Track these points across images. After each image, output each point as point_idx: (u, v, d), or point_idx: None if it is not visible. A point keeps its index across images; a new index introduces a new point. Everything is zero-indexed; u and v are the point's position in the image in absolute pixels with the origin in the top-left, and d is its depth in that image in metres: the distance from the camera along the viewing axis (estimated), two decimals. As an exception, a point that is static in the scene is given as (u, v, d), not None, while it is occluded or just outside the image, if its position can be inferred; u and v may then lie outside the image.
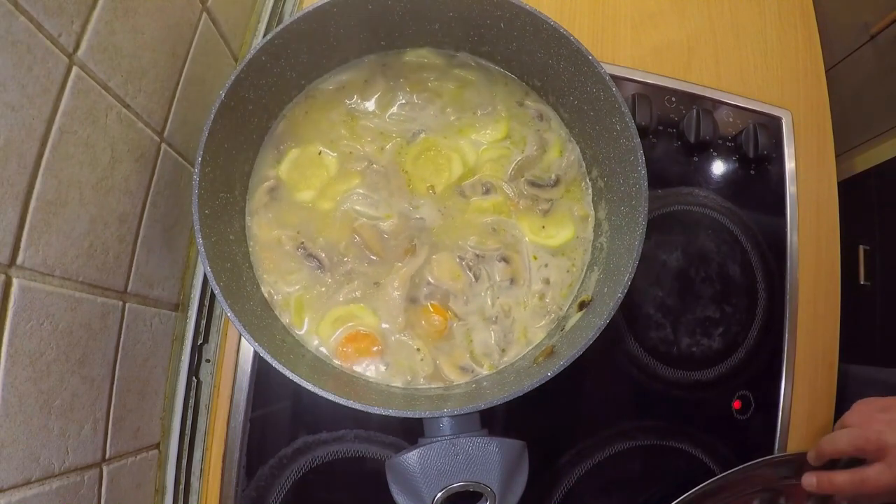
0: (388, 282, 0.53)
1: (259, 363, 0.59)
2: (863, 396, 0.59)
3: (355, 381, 0.51)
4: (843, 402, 0.71)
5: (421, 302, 0.53)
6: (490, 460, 0.46)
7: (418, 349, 0.52)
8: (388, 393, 0.50)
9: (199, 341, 0.60)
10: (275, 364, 0.43)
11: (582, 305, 0.52)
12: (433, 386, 0.52)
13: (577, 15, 0.74)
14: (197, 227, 0.44)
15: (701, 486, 0.61)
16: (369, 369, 0.52)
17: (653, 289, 0.68)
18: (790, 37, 0.79)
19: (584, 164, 0.57)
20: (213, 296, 0.61)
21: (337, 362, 0.51)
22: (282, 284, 0.52)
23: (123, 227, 0.47)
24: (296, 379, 0.43)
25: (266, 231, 0.53)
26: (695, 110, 0.70)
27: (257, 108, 0.51)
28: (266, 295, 0.52)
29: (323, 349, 0.52)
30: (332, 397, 0.43)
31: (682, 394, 0.68)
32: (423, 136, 0.56)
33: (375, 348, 0.52)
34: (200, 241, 0.44)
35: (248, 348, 0.59)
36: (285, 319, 0.52)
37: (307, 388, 0.43)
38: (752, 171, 0.73)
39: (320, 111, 0.55)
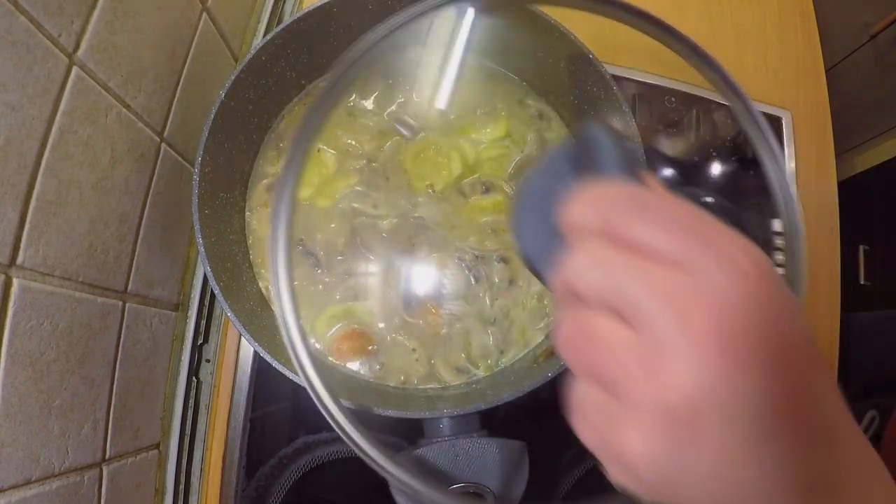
0: (385, 281, 0.53)
1: (259, 363, 0.59)
2: (867, 344, 0.55)
3: (351, 380, 0.50)
4: (846, 353, 0.70)
5: (418, 302, 0.53)
6: (490, 461, 0.45)
7: (414, 349, 0.52)
8: (384, 392, 0.50)
9: (199, 341, 0.60)
10: (274, 364, 0.43)
11: None
12: (428, 386, 0.52)
13: (577, 14, 0.74)
14: (197, 227, 0.44)
15: (701, 486, 0.61)
16: (363, 368, 0.52)
17: (653, 289, 0.68)
18: (790, 37, 0.79)
19: (583, 164, 0.57)
20: (213, 296, 0.61)
21: (332, 360, 0.51)
22: (279, 281, 0.52)
23: (123, 227, 0.47)
24: (297, 380, 0.43)
25: (265, 227, 0.53)
26: (694, 110, 0.70)
27: (257, 108, 0.51)
28: (263, 290, 0.52)
29: (318, 346, 0.52)
30: (331, 397, 0.43)
31: (682, 394, 0.67)
32: (422, 134, 0.56)
33: (371, 347, 0.52)
34: (200, 241, 0.44)
35: (248, 348, 0.59)
36: None
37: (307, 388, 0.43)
38: (752, 172, 0.73)
39: (320, 111, 0.55)
